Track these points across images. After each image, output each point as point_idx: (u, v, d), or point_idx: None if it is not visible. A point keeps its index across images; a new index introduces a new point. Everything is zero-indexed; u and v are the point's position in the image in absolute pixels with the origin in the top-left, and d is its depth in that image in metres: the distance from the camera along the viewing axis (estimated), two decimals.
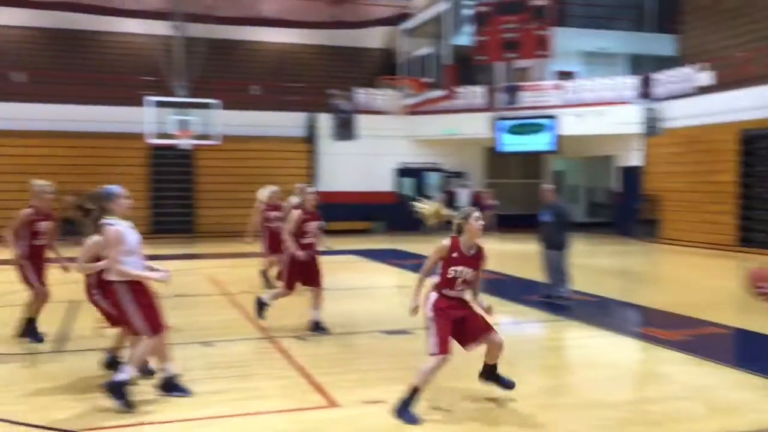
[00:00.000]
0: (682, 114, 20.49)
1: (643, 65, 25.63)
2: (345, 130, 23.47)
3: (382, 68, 26.38)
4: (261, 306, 8.49)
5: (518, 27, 22.39)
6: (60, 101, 22.45)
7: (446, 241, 5.42)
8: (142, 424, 5.17)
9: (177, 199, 23.29)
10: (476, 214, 5.47)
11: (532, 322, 9.31)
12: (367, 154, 24.31)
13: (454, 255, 5.37)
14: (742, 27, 22.80)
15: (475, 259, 5.43)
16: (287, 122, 24.28)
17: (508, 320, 8.97)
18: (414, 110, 23.61)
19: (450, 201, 21.86)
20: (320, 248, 8.62)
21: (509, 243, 19.17)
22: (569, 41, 24.54)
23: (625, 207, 22.94)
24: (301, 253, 8.08)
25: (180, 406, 5.58)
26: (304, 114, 24.67)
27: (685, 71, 21.11)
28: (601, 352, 7.63)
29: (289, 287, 8.31)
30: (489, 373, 5.71)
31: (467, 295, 5.54)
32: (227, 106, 21.51)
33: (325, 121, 24.30)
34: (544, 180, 23.53)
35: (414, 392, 5.24)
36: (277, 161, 23.89)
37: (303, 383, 6.26)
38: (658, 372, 7.06)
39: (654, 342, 7.91)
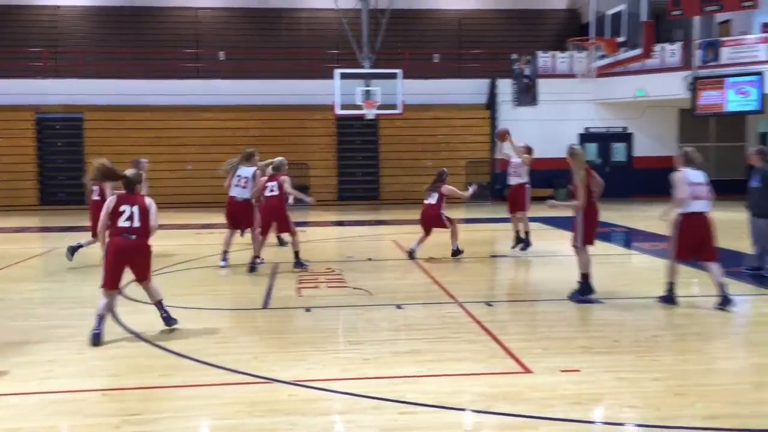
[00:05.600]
0: None
1: None
2: (526, 95, 22.92)
3: (567, 30, 25.43)
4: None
5: None
6: (253, 77, 23.89)
7: None
8: (358, 378, 5.43)
9: (362, 168, 24.06)
10: None
11: (738, 295, 8.59)
12: (550, 120, 23.67)
13: None
14: None
15: None
16: (467, 89, 24.25)
17: (711, 293, 8.34)
18: (604, 72, 22.53)
19: None
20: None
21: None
22: None
23: None
24: None
25: (377, 364, 5.80)
26: (484, 80, 24.45)
27: None
28: None
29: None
30: None
31: None
32: (409, 75, 21.78)
33: (505, 87, 23.92)
34: (747, 143, 21.63)
35: None
36: (458, 128, 23.94)
37: (494, 348, 6.26)
38: None
39: None
